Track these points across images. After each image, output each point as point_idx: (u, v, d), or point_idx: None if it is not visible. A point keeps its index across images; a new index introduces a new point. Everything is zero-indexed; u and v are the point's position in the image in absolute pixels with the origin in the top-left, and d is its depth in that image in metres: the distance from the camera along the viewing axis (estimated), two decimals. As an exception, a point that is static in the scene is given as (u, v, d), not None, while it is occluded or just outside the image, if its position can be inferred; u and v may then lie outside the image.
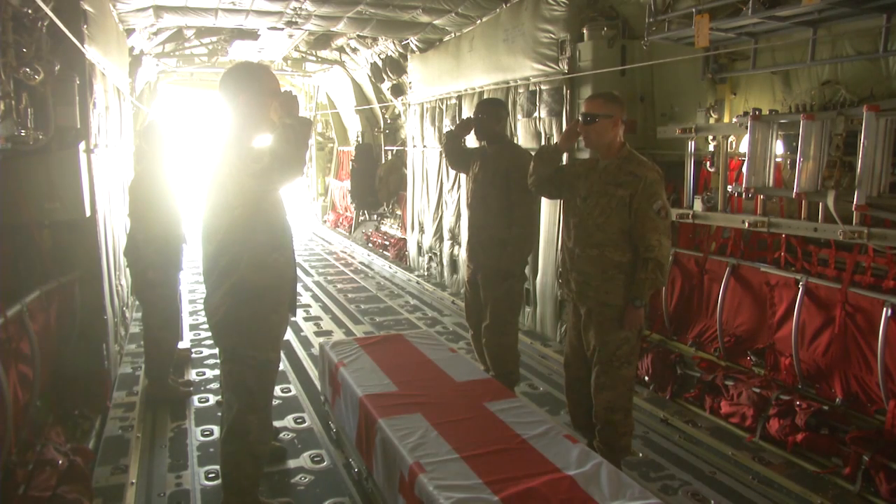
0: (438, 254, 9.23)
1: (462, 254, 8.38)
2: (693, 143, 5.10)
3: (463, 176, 8.23)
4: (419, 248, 9.94)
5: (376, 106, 12.27)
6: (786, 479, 3.87)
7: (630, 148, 3.73)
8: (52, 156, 4.41)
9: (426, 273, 9.66)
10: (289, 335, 6.74)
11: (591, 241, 3.69)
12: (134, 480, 3.84)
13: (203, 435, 4.45)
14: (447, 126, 8.70)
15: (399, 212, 11.87)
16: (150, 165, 5.00)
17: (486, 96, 7.59)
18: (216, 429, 4.43)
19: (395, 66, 10.36)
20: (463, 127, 4.91)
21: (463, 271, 6.88)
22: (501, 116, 4.77)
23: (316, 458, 4.14)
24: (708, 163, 5.03)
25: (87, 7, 4.83)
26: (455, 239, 8.70)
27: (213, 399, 5.00)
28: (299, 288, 9.00)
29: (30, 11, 3.99)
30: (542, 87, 6.40)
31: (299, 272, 10.19)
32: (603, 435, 3.75)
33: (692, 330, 5.27)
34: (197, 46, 10.91)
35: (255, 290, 3.09)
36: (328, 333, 6.98)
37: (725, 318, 4.96)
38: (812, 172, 4.10)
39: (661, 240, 3.53)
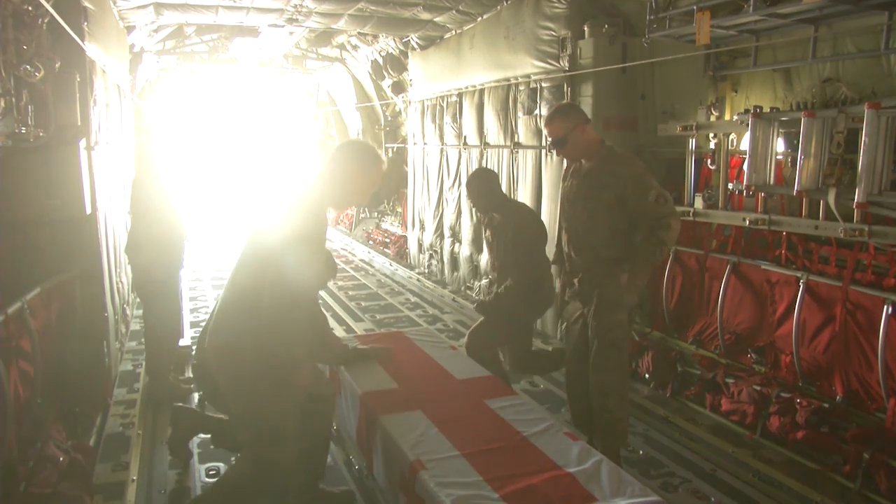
0: (439, 251, 9.23)
1: (463, 251, 8.41)
2: (694, 140, 5.10)
3: (464, 173, 8.29)
4: (420, 245, 9.94)
5: (377, 103, 12.26)
6: (786, 476, 3.88)
7: (609, 145, 3.77)
8: (52, 153, 4.41)
9: (427, 270, 9.66)
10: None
11: (584, 245, 3.77)
12: (135, 477, 3.84)
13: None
14: (448, 123, 8.70)
15: (399, 209, 11.87)
16: (152, 163, 4.99)
17: (487, 93, 7.60)
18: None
19: (396, 63, 10.35)
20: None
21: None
22: (489, 187, 4.79)
23: (316, 456, 4.14)
24: (709, 160, 5.03)
25: (87, 4, 4.82)
26: (455, 236, 8.71)
27: (213, 396, 5.00)
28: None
29: (30, 8, 3.97)
30: (543, 84, 6.39)
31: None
32: (600, 422, 3.79)
33: (693, 328, 5.27)
34: (197, 44, 10.91)
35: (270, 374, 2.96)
36: (329, 331, 6.97)
37: (726, 315, 4.96)
38: (813, 170, 4.10)
39: (670, 222, 3.55)
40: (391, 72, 10.55)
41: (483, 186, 4.78)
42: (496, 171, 7.47)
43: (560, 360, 4.94)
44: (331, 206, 3.10)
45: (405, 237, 10.88)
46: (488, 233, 4.95)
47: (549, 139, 3.81)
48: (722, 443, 4.31)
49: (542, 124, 3.88)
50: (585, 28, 5.87)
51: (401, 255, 10.87)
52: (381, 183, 3.23)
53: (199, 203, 14.55)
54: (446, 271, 8.98)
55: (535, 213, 5.52)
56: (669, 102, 5.70)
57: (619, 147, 3.87)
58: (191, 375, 5.46)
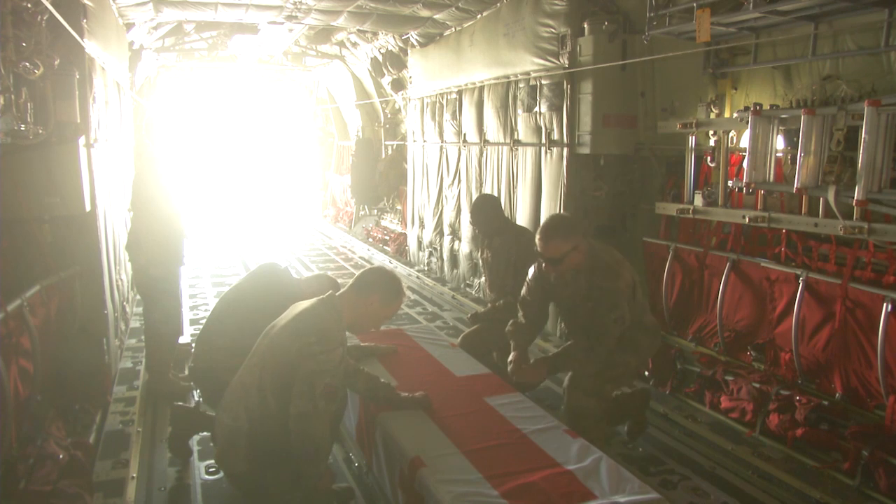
0: (439, 249, 9.23)
1: (462, 248, 8.41)
2: (694, 137, 5.10)
3: (463, 171, 8.29)
4: (419, 242, 9.94)
5: (376, 100, 12.24)
6: (785, 473, 3.89)
7: (595, 251, 3.74)
8: (51, 150, 4.40)
9: (426, 268, 9.66)
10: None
11: (583, 337, 3.89)
12: (134, 475, 3.85)
13: (203, 429, 4.45)
14: (447, 120, 8.70)
15: (399, 207, 11.86)
16: (152, 161, 4.99)
17: (486, 91, 7.59)
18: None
19: (396, 60, 10.34)
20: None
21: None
22: (494, 212, 5.11)
23: (316, 453, 4.14)
24: (709, 158, 5.03)
25: (86, 1, 4.81)
26: (455, 233, 8.70)
27: (213, 394, 5.00)
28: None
29: (29, 5, 3.97)
30: (543, 81, 6.39)
31: (300, 267, 10.22)
32: None
33: (692, 325, 5.27)
34: (197, 41, 10.89)
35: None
36: (328, 328, 6.96)
37: (726, 313, 4.96)
38: (813, 167, 4.10)
39: (609, 343, 3.69)
40: (391, 69, 10.53)
41: (490, 212, 5.06)
42: (496, 168, 7.48)
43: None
44: (346, 328, 3.18)
45: (405, 234, 10.88)
46: (487, 254, 5.12)
47: (544, 255, 3.66)
48: (721, 440, 4.32)
49: (538, 239, 3.61)
50: (585, 25, 5.86)
51: (400, 253, 10.87)
52: (397, 310, 3.31)
53: (198, 200, 14.54)
54: (446, 269, 8.98)
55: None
56: (669, 99, 5.69)
57: (606, 247, 3.89)
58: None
